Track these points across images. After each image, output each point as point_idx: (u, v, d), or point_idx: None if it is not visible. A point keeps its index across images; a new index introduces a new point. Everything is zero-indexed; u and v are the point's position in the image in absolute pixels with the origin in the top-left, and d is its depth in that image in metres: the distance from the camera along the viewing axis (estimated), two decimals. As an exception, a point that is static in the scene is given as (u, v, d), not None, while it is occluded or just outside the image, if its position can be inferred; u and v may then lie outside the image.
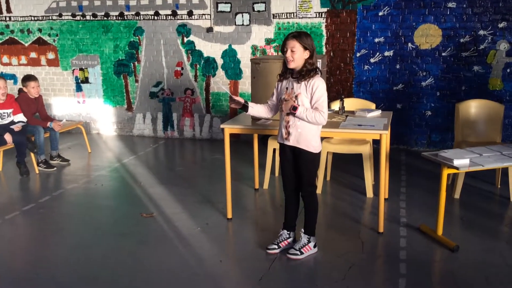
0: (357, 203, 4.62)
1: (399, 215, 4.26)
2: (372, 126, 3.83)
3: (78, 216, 4.46)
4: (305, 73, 3.22)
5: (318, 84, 3.21)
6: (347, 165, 5.65)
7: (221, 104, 7.20)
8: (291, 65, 3.25)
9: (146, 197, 4.85)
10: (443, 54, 6.19)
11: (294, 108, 3.20)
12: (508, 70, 6.02)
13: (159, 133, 7.56)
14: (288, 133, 3.33)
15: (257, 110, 3.56)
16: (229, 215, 4.22)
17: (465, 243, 3.66)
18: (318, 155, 3.41)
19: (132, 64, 7.42)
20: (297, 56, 3.21)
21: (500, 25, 5.92)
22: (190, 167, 6.10)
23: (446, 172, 3.61)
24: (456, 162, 3.51)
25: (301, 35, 3.22)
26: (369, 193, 4.74)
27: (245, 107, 3.50)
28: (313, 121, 3.23)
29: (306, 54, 3.22)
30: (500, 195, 4.78)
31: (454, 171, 3.58)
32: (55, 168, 5.80)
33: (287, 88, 3.33)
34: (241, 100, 3.48)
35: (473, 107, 5.08)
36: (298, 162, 3.38)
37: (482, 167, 3.53)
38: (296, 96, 3.25)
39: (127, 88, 7.53)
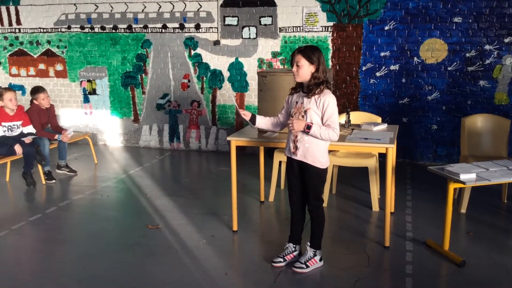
0: (363, 216, 4.61)
1: (405, 229, 4.24)
2: (378, 140, 3.83)
3: (84, 227, 4.47)
4: (313, 87, 3.25)
5: (329, 101, 3.23)
6: (352, 179, 5.64)
7: (227, 116, 7.23)
8: (297, 79, 3.30)
9: (151, 208, 4.86)
10: (449, 68, 6.20)
11: (308, 127, 3.21)
12: (514, 85, 6.03)
13: (165, 145, 7.58)
14: (296, 148, 3.34)
15: (265, 123, 3.59)
16: (235, 228, 4.22)
17: (471, 258, 3.64)
18: (325, 170, 3.41)
19: (139, 76, 7.47)
20: (303, 70, 3.24)
21: (506, 40, 5.94)
22: (196, 179, 6.11)
23: (452, 186, 3.60)
24: (463, 177, 3.50)
25: (307, 49, 3.25)
26: (375, 206, 4.73)
27: (253, 120, 3.53)
28: (327, 138, 3.25)
29: (312, 68, 3.24)
30: (507, 210, 4.75)
31: (461, 185, 3.57)
32: (54, 181, 5.80)
33: (297, 102, 3.36)
34: (248, 114, 3.51)
35: (479, 122, 5.08)
36: (305, 176, 3.39)
37: (489, 181, 3.52)
38: (305, 111, 3.27)
39: (134, 100, 7.58)
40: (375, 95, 6.54)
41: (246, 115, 3.50)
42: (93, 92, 7.76)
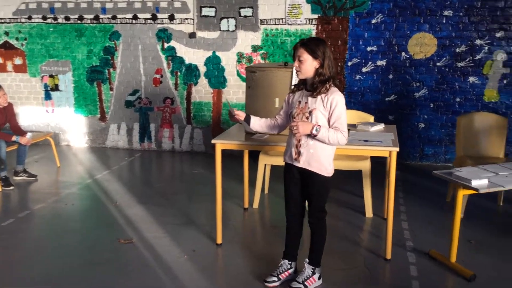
0: (357, 223, 4.29)
1: (404, 238, 3.95)
2: (380, 142, 3.49)
3: (47, 243, 3.95)
4: (317, 85, 2.87)
5: (338, 100, 2.87)
6: (342, 182, 5.30)
7: (203, 114, 6.81)
8: (300, 76, 2.95)
9: (123, 218, 4.39)
10: (438, 64, 5.98)
11: (316, 130, 2.82)
12: (505, 81, 5.86)
13: (135, 145, 7.13)
14: (299, 153, 2.94)
15: (260, 125, 3.20)
16: (219, 240, 3.81)
17: (479, 270, 3.35)
18: (330, 179, 3.03)
19: (107, 71, 7.02)
20: (306, 66, 2.88)
21: (498, 35, 5.76)
22: (170, 183, 5.66)
23: (462, 193, 3.30)
24: (475, 183, 3.20)
25: (310, 42, 2.90)
26: (369, 212, 4.42)
27: (247, 121, 3.13)
28: (335, 142, 2.87)
29: (316, 63, 2.87)
30: (503, 214, 4.57)
31: (472, 192, 3.26)
32: (12, 187, 5.25)
33: (299, 102, 2.96)
34: (242, 114, 3.11)
35: (475, 121, 4.85)
36: (307, 185, 3.00)
37: (503, 188, 3.23)
38: (310, 112, 2.88)
39: (101, 96, 7.12)
40: (360, 92, 6.24)
41: (240, 115, 3.10)
42: (56, 88, 7.27)
